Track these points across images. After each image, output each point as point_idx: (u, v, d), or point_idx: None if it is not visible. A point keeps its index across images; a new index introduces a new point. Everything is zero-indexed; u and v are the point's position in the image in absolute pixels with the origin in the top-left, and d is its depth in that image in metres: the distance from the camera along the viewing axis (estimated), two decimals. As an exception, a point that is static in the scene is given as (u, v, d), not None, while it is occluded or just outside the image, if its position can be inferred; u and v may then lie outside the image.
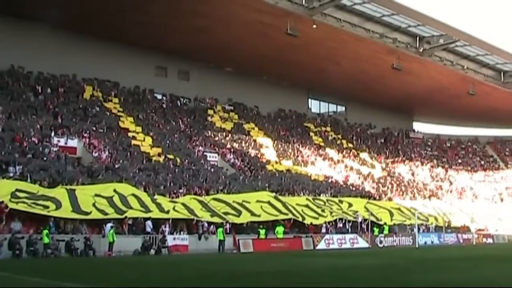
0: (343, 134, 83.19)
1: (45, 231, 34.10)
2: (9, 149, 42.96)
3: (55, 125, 49.96)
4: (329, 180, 64.84)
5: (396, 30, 63.95)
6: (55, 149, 46.54)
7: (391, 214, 59.09)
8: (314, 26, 56.93)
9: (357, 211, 55.18)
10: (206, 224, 43.25)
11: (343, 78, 74.05)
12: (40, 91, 55.00)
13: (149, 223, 39.95)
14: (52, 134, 48.37)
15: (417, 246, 52.91)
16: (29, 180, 38.93)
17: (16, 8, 52.75)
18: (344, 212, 54.99)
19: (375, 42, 63.02)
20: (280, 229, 46.08)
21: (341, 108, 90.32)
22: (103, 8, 53.45)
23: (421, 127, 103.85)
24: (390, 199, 65.82)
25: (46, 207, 35.94)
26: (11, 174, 39.06)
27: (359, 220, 54.05)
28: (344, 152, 76.89)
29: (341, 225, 53.27)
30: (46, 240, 33.84)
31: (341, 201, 57.08)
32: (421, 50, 66.32)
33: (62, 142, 48.18)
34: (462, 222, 66.11)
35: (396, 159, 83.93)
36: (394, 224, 57.70)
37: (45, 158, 44.16)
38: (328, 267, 28.36)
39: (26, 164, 41.48)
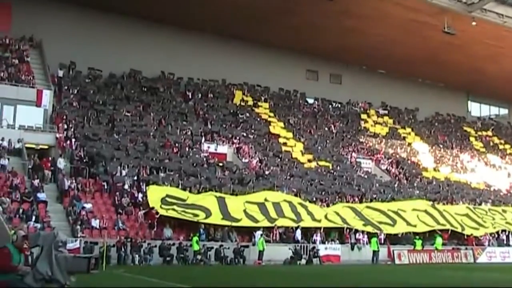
0: (506, 139, 79.82)
1: (195, 238, 34.82)
2: (159, 155, 44.37)
3: (205, 131, 51.06)
4: (491, 189, 62.33)
5: None
6: (205, 155, 47.53)
7: None
8: (474, 23, 54.94)
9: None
10: (360, 234, 42.68)
11: (506, 78, 70.96)
12: (190, 96, 56.45)
13: (298, 231, 39.82)
14: (202, 140, 49.47)
15: None
16: (180, 186, 39.94)
17: (165, 16, 54.54)
18: (508, 222, 52.48)
19: (542, 39, 60.11)
20: (439, 240, 44.71)
21: (503, 111, 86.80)
22: (253, 12, 54.10)
23: None
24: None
25: (196, 215, 36.71)
26: (161, 180, 40.10)
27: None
28: (507, 158, 73.76)
29: (504, 237, 50.90)
30: (196, 247, 34.51)
31: (504, 211, 54.56)
32: None
33: (212, 148, 49.19)
34: None
35: None
36: None
37: (195, 164, 45.17)
38: (490, 284, 27.08)
39: (176, 170, 42.61)
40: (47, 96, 44.22)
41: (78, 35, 52.82)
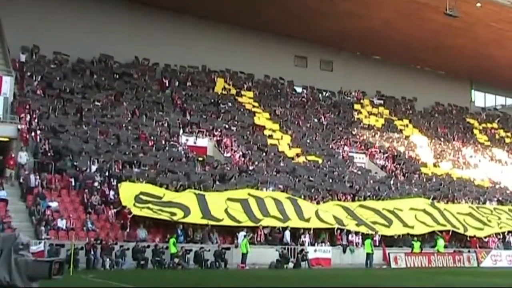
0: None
1: (172, 240, 34.71)
2: (133, 148, 44.15)
3: (183, 122, 50.93)
4: (497, 186, 62.59)
5: None
6: (183, 148, 47.40)
7: None
8: (478, 4, 55.12)
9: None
10: (353, 235, 42.74)
11: (513, 66, 71.46)
12: (167, 84, 56.29)
13: (287, 232, 39.84)
14: (180, 132, 49.34)
15: None
16: (157, 184, 39.74)
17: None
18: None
19: (551, 22, 60.39)
20: (441, 242, 44.87)
21: (510, 101, 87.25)
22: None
23: None
24: None
25: (174, 214, 36.60)
26: (135, 176, 39.93)
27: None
28: (514, 153, 74.20)
29: (510, 239, 51.08)
30: (173, 249, 34.41)
31: (511, 210, 54.91)
32: None
33: (190, 141, 49.05)
34: None
35: None
36: None
37: (172, 159, 45.06)
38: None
39: (152, 165, 42.48)
40: (8, 83, 43.80)
41: (42, 15, 52.45)
